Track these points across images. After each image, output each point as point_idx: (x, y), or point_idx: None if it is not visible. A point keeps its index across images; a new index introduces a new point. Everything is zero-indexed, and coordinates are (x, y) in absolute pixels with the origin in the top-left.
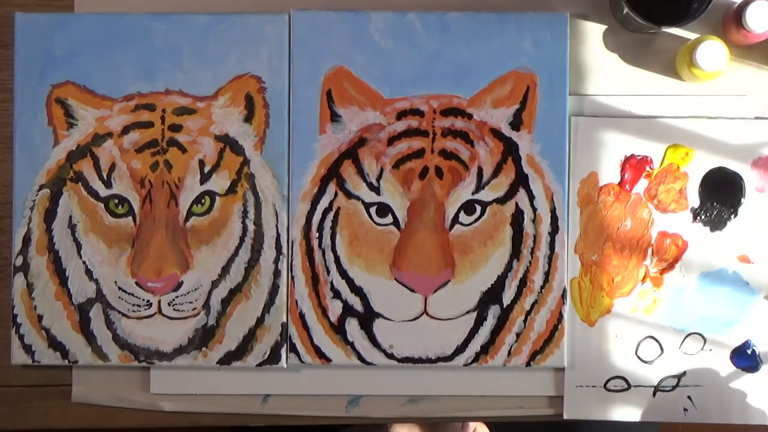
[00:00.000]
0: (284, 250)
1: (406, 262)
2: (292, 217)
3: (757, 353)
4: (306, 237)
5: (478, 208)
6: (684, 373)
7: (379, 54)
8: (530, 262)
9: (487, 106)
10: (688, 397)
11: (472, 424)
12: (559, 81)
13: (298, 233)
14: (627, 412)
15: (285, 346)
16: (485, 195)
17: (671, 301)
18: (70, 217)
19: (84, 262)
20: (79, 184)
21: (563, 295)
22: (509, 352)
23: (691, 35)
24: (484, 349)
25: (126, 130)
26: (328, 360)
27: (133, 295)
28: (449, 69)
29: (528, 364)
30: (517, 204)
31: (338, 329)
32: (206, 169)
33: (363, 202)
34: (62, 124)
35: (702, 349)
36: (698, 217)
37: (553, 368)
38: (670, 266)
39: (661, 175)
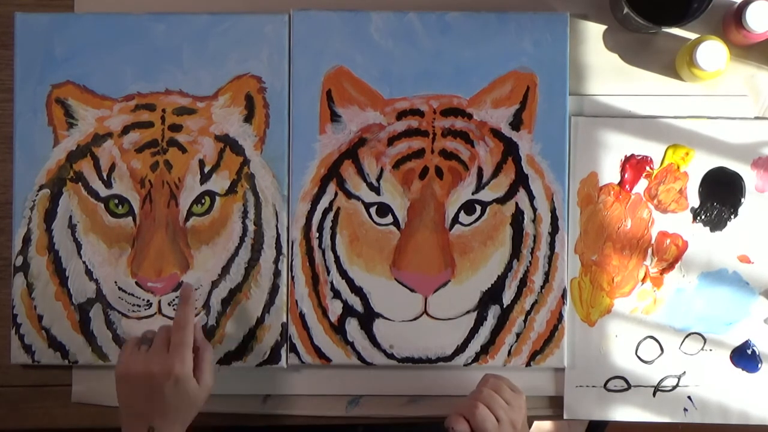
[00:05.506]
0: (284, 250)
1: (406, 262)
2: (292, 217)
3: (757, 353)
4: (306, 237)
5: (478, 208)
6: (684, 373)
7: (379, 54)
8: (530, 262)
9: (487, 106)
10: (688, 397)
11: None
12: (559, 81)
13: (298, 233)
14: (627, 412)
15: (285, 346)
16: (485, 195)
17: (671, 301)
18: (70, 217)
19: (84, 262)
20: (79, 184)
21: (563, 295)
22: (509, 352)
23: (691, 35)
24: (484, 349)
25: (126, 130)
26: (328, 360)
27: (133, 295)
28: (449, 69)
29: (528, 364)
30: (517, 204)
31: (338, 329)
32: (206, 169)
33: (363, 202)
34: (62, 124)
35: (702, 349)
36: (698, 217)
37: (553, 368)
38: (670, 266)
39: (661, 175)
